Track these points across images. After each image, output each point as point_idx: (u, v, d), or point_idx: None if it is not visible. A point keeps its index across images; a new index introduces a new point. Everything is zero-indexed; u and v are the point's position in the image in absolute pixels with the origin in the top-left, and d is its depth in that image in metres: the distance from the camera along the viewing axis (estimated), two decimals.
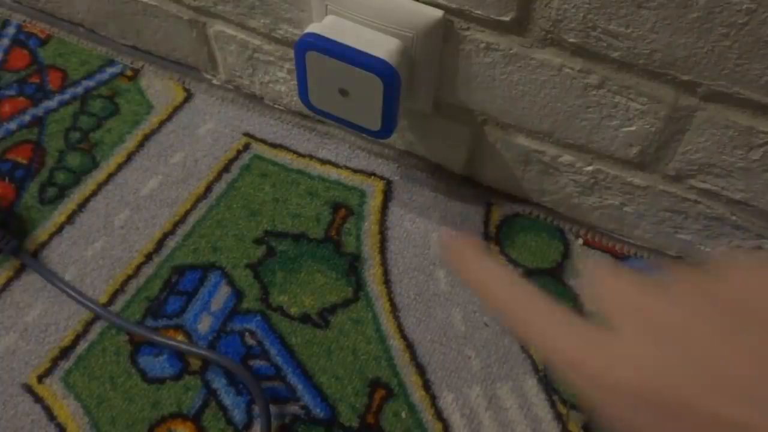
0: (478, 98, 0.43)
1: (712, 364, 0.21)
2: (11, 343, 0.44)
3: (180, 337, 0.44)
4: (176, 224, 0.49)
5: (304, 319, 0.45)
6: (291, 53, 0.49)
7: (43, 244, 0.48)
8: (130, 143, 0.53)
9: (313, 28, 0.40)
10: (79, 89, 0.56)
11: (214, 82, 0.56)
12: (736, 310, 0.22)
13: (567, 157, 0.44)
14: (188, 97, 0.56)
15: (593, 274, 0.25)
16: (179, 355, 0.43)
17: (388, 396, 0.42)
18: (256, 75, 0.53)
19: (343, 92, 0.42)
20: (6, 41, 0.60)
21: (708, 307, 0.22)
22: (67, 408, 0.42)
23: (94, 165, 0.52)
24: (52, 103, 0.55)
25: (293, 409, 0.42)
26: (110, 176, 0.51)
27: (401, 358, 0.43)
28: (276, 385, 0.43)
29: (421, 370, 0.43)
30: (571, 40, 0.37)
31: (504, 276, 0.26)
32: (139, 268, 0.47)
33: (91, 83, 0.57)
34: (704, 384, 0.21)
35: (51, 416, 0.41)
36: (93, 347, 0.44)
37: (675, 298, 0.23)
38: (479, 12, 0.38)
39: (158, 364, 0.43)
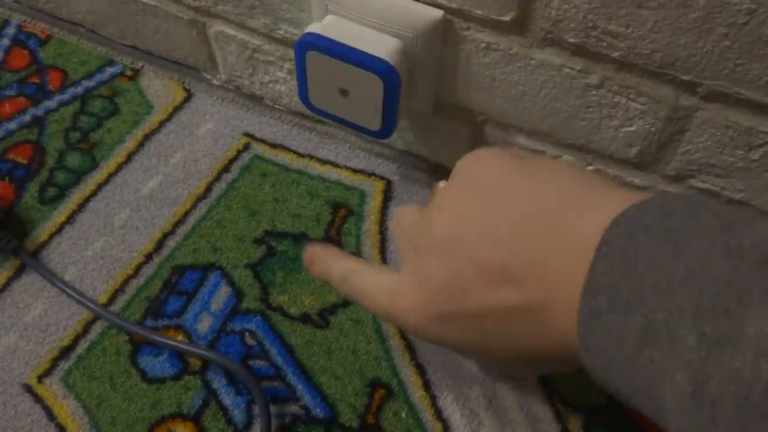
0: (478, 98, 0.43)
1: (478, 259, 0.25)
2: (11, 343, 0.44)
3: (180, 337, 0.44)
4: (176, 224, 0.49)
5: (304, 319, 0.45)
6: (291, 53, 0.49)
7: (43, 244, 0.48)
8: (130, 143, 0.53)
9: (313, 27, 0.41)
10: (79, 89, 0.56)
11: (214, 82, 0.56)
12: (475, 190, 0.26)
13: (567, 157, 0.44)
14: (188, 97, 0.56)
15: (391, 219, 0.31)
16: (179, 355, 0.43)
17: (388, 396, 0.42)
18: (256, 75, 0.53)
19: (343, 92, 0.42)
20: (6, 41, 0.60)
21: (456, 200, 0.27)
22: (67, 408, 0.42)
23: (94, 165, 0.52)
24: (52, 103, 0.55)
25: (293, 409, 0.42)
26: (110, 176, 0.51)
27: (401, 358, 0.43)
28: (276, 385, 0.43)
29: (421, 370, 0.43)
30: (571, 40, 0.37)
31: (347, 266, 0.32)
32: (139, 268, 0.47)
33: (91, 83, 0.57)
34: (466, 299, 0.26)
35: (51, 416, 0.41)
36: (93, 347, 0.44)
37: (437, 210, 0.28)
38: (479, 12, 0.38)
39: (158, 364, 0.43)
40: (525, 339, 0.25)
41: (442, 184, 0.29)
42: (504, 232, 0.25)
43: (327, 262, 0.34)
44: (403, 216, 0.31)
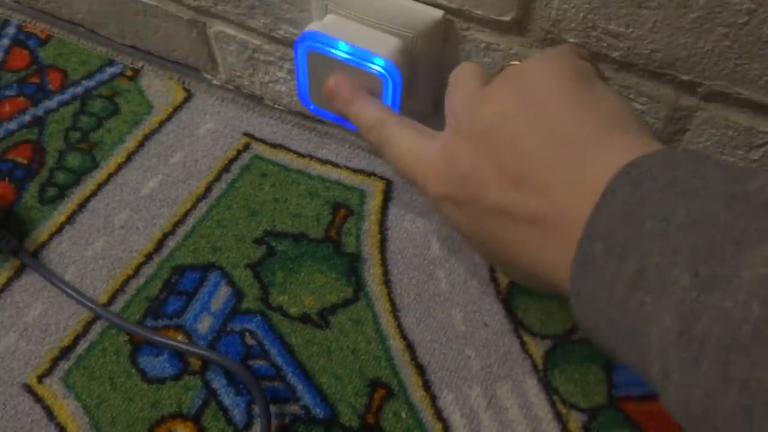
0: None
1: (500, 161, 0.26)
2: (11, 343, 0.44)
3: (180, 337, 0.44)
4: (176, 224, 0.49)
5: (304, 319, 0.45)
6: (291, 53, 0.49)
7: (43, 244, 0.48)
8: (130, 143, 0.53)
9: (313, 27, 0.41)
10: (79, 89, 0.56)
11: (214, 82, 0.56)
12: (525, 97, 0.27)
13: None
14: (188, 97, 0.56)
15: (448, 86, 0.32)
16: (179, 355, 0.43)
17: (388, 396, 0.42)
18: (256, 75, 0.53)
19: None
20: (6, 41, 0.60)
21: (506, 99, 0.27)
22: (67, 408, 0.42)
23: (94, 165, 0.52)
24: (52, 103, 0.55)
25: (293, 409, 0.42)
26: (110, 176, 0.51)
27: (401, 358, 0.43)
28: (276, 385, 0.43)
29: (421, 370, 0.43)
30: (571, 40, 0.37)
31: (378, 114, 0.34)
32: (139, 268, 0.47)
33: (91, 83, 0.57)
34: (479, 192, 0.27)
35: (51, 416, 0.41)
36: (93, 347, 0.44)
37: (486, 98, 0.28)
38: (479, 12, 0.38)
39: (158, 364, 0.43)
40: (518, 248, 0.26)
41: (515, 63, 0.30)
42: (531, 148, 0.25)
43: (353, 103, 0.36)
44: (461, 83, 0.31)
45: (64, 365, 0.43)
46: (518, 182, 0.25)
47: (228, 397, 0.42)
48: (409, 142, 0.31)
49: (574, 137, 0.25)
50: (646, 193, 0.21)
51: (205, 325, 0.45)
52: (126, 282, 0.46)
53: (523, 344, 0.44)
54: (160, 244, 0.48)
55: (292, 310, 0.45)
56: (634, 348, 0.21)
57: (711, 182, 0.20)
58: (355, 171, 0.51)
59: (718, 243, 0.18)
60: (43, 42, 0.59)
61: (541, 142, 0.25)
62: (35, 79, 0.57)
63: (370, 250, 0.48)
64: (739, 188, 0.19)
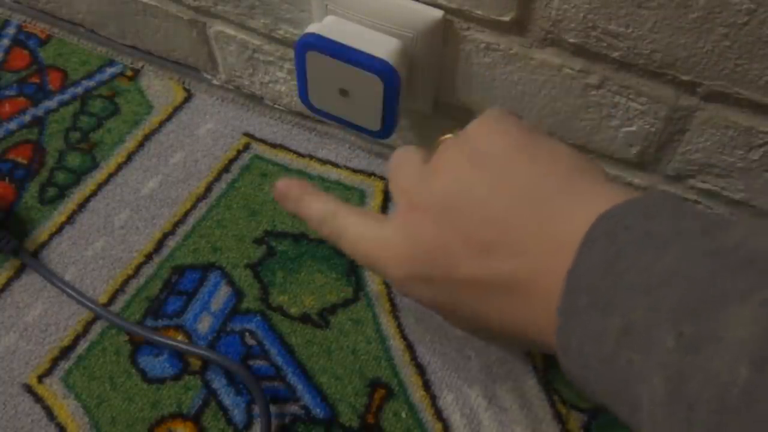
0: (478, 98, 0.43)
1: (466, 230, 0.26)
2: (11, 343, 0.44)
3: (180, 337, 0.44)
4: (176, 224, 0.49)
5: (304, 319, 0.45)
6: (291, 53, 0.49)
7: (43, 244, 0.48)
8: (130, 143, 0.53)
9: (313, 28, 0.41)
10: (79, 89, 0.56)
11: (214, 82, 0.56)
12: (478, 161, 0.26)
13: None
14: (188, 97, 0.56)
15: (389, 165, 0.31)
16: (179, 355, 0.43)
17: (388, 396, 0.42)
18: (256, 75, 0.53)
19: (343, 92, 0.42)
20: (6, 41, 0.60)
21: (459, 166, 0.27)
22: (67, 408, 0.42)
23: (94, 165, 0.52)
24: (52, 103, 0.55)
25: (293, 409, 0.42)
26: (110, 176, 0.51)
27: (401, 358, 0.43)
28: (276, 385, 0.43)
29: (421, 370, 0.43)
30: (571, 40, 0.37)
31: (328, 208, 0.32)
32: (139, 268, 0.47)
33: (91, 83, 0.57)
34: (449, 267, 0.26)
35: (51, 416, 0.41)
36: (93, 347, 0.44)
37: (437, 169, 0.28)
38: (479, 12, 0.38)
39: (158, 364, 0.43)
40: (496, 313, 0.25)
41: (448, 136, 0.29)
42: (497, 211, 0.25)
43: (303, 200, 0.33)
44: (404, 161, 0.30)
45: (64, 365, 0.43)
46: (488, 249, 0.25)
47: (228, 397, 0.42)
48: (362, 230, 0.30)
49: (539, 192, 0.25)
50: (623, 245, 0.21)
51: (205, 325, 0.45)
52: (126, 282, 0.46)
53: None
54: (160, 244, 0.48)
55: (292, 310, 0.45)
56: (624, 405, 0.20)
57: (688, 235, 0.20)
58: (355, 171, 0.51)
59: (700, 302, 0.18)
60: (43, 42, 0.59)
61: (507, 202, 0.25)
62: (35, 79, 0.57)
63: None
64: (717, 243, 0.19)
